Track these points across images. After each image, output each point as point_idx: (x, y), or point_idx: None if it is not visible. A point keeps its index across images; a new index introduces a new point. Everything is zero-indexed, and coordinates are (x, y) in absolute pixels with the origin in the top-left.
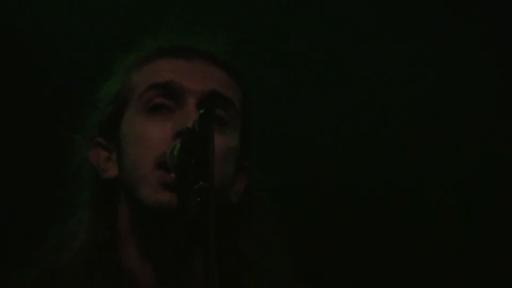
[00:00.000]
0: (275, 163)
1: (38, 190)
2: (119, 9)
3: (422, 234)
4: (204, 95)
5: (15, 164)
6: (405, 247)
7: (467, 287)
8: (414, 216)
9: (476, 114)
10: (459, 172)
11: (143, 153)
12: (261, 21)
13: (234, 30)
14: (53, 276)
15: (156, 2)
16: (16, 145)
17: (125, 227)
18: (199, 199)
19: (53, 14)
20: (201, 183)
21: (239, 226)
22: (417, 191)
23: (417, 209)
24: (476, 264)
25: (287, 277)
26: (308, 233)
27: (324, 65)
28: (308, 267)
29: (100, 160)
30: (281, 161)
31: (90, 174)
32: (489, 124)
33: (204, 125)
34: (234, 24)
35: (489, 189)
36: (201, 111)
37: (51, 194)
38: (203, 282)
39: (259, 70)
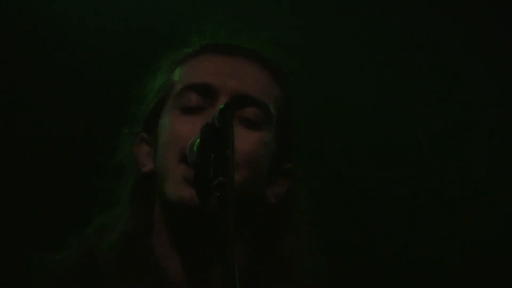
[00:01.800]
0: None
1: (84, 180)
2: (168, 6)
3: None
4: (236, 94)
5: (66, 157)
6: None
7: None
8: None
9: None
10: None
11: (170, 148)
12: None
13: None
14: (92, 258)
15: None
16: (69, 139)
17: (158, 220)
18: (218, 195)
19: (102, 9)
20: (220, 178)
21: (278, 228)
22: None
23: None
24: None
25: (324, 282)
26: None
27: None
28: (343, 273)
29: (141, 155)
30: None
31: (133, 168)
32: None
33: (224, 120)
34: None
35: None
36: (221, 106)
37: (97, 185)
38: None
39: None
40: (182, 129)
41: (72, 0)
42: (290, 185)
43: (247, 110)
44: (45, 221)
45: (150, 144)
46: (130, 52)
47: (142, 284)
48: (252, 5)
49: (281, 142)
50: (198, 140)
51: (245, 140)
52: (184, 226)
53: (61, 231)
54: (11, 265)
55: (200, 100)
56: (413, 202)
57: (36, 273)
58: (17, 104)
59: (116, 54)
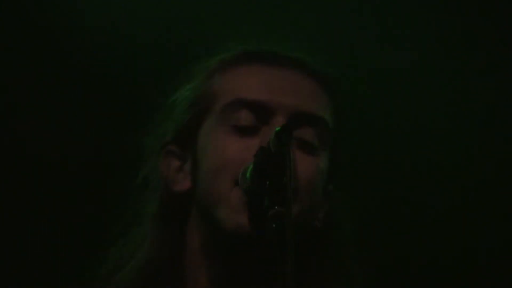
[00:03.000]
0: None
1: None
2: (198, 9)
3: None
4: (294, 112)
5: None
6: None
7: None
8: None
9: None
10: None
11: (223, 170)
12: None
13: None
14: None
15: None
16: (86, 150)
17: (194, 248)
18: (274, 226)
19: (129, 12)
20: (276, 208)
21: (319, 253)
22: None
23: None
24: None
25: None
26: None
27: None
28: None
29: (170, 170)
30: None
31: (159, 185)
32: None
33: (281, 144)
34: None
35: None
36: (277, 128)
37: (117, 204)
38: None
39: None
40: (235, 152)
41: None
42: (329, 207)
43: (304, 131)
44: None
45: (182, 159)
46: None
47: None
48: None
49: (332, 163)
50: (251, 166)
51: (302, 167)
52: (234, 256)
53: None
54: None
55: (253, 118)
56: (458, 219)
57: None
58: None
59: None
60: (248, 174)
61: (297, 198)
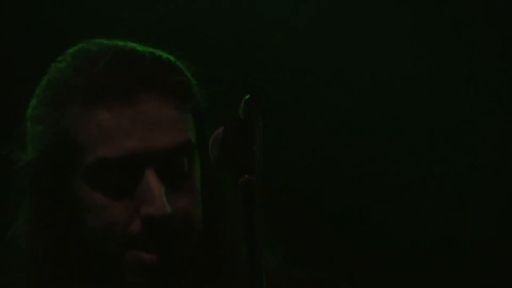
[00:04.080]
0: None
1: None
2: None
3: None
4: (161, 158)
5: None
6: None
7: None
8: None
9: None
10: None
11: (109, 236)
12: None
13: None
14: None
15: None
16: None
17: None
18: (243, 195)
19: None
20: (246, 176)
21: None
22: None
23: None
24: None
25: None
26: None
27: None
28: None
29: (43, 197)
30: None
31: (32, 203)
32: None
33: (250, 111)
34: None
35: None
36: (246, 96)
37: None
38: None
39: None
40: (115, 216)
41: None
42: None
43: (175, 165)
44: None
45: (57, 195)
46: None
47: None
48: None
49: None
50: (220, 136)
51: (178, 205)
52: None
53: None
54: None
55: (123, 178)
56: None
57: None
58: None
59: None
60: (217, 142)
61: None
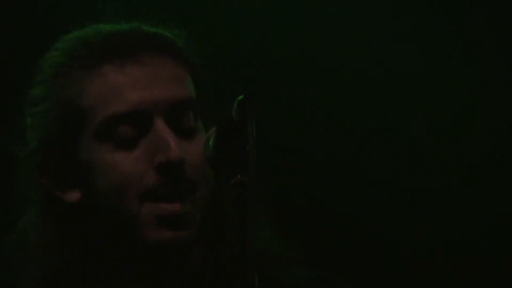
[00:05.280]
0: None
1: None
2: None
3: None
4: (169, 109)
5: None
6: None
7: None
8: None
9: None
10: None
11: (124, 189)
12: None
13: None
14: None
15: None
16: None
17: (111, 264)
18: (235, 195)
19: None
20: (238, 176)
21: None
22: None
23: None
24: None
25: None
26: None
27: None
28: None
29: (51, 180)
30: None
31: (40, 192)
32: None
33: (244, 112)
34: None
35: None
36: (239, 97)
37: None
38: None
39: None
40: (128, 169)
41: None
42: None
43: (182, 119)
44: None
45: (62, 171)
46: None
47: None
48: None
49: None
50: (214, 135)
51: (191, 153)
52: (157, 264)
53: None
54: None
55: (132, 130)
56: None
57: None
58: None
59: None
60: (210, 143)
61: (198, 185)
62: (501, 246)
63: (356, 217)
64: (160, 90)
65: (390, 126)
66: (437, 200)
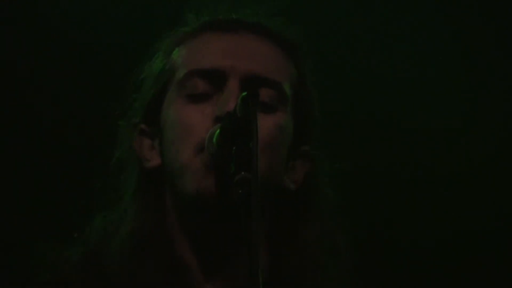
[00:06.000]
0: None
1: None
2: None
3: None
4: (248, 76)
5: (63, 153)
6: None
7: None
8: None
9: None
10: None
11: (183, 141)
12: None
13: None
14: (99, 258)
15: None
16: (63, 134)
17: (172, 222)
18: (240, 192)
19: None
20: (243, 173)
21: (300, 217)
22: None
23: None
24: None
25: (349, 277)
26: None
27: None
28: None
29: (143, 149)
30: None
31: (135, 163)
32: None
33: (247, 109)
34: None
35: None
36: (243, 94)
37: (96, 183)
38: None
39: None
40: (192, 120)
41: None
42: (308, 169)
43: (264, 91)
44: (43, 218)
45: (152, 137)
46: (125, 38)
47: (158, 283)
48: None
49: (298, 124)
50: (217, 131)
51: (260, 126)
52: (205, 220)
53: (62, 228)
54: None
55: (207, 86)
56: (438, 189)
57: (43, 268)
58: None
59: (103, 42)
60: (214, 139)
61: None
62: (501, 246)
63: (355, 218)
64: (245, 61)
65: (390, 125)
66: (437, 199)
